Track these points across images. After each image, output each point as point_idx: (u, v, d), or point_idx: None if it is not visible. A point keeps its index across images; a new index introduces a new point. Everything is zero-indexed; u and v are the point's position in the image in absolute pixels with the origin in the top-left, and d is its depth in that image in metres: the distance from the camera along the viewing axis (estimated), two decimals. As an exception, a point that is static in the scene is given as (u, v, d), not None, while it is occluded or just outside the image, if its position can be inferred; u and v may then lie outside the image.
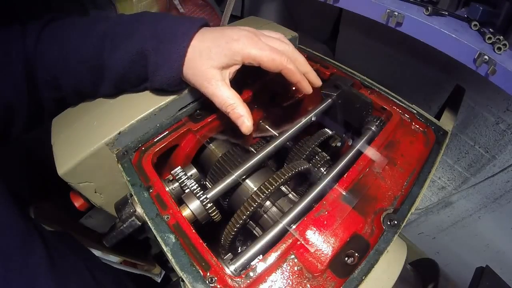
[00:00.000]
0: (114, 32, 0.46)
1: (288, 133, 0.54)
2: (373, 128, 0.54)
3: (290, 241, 0.38)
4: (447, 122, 0.56)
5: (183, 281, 0.36)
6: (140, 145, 0.50)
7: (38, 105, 0.51)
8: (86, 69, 0.47)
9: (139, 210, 0.43)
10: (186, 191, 0.45)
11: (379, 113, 0.58)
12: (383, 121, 0.55)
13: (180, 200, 0.45)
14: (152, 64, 0.46)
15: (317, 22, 1.23)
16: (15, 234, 0.40)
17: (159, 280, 1.61)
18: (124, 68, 0.46)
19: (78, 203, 0.53)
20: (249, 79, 0.61)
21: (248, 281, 0.35)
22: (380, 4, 0.60)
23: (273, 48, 0.46)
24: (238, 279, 0.35)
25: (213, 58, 0.44)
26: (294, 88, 0.66)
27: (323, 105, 0.60)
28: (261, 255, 0.38)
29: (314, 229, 0.39)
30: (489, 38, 0.52)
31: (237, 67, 0.47)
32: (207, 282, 0.35)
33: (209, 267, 0.36)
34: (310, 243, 0.38)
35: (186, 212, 0.42)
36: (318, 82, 0.53)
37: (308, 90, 0.51)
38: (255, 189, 0.44)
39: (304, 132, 0.59)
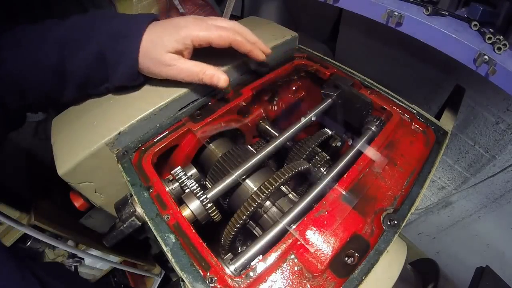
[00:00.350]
0: (71, 38, 0.47)
1: (288, 133, 0.54)
2: (373, 128, 0.54)
3: (290, 241, 0.38)
4: (447, 122, 0.56)
5: (183, 281, 0.36)
6: (140, 145, 0.50)
7: (6, 110, 0.51)
8: (48, 75, 0.47)
9: (139, 210, 0.43)
10: (186, 191, 0.45)
11: (379, 113, 0.58)
12: (383, 121, 0.55)
13: (180, 200, 0.45)
14: (110, 63, 0.48)
15: (317, 22, 1.23)
16: (11, 272, 0.41)
17: (159, 280, 1.61)
18: (85, 71, 0.48)
19: (78, 203, 0.53)
20: (250, 79, 0.61)
21: (248, 281, 0.35)
22: (380, 4, 0.60)
23: (219, 26, 0.50)
24: (238, 279, 0.35)
25: (166, 44, 0.47)
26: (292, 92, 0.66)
27: (323, 105, 0.60)
28: (261, 255, 0.38)
29: (314, 229, 0.39)
30: (489, 38, 0.52)
31: (189, 50, 0.50)
32: (207, 282, 0.35)
33: (209, 267, 0.36)
34: (310, 243, 0.38)
35: (186, 212, 0.42)
36: (267, 49, 0.56)
37: (261, 57, 0.55)
38: (255, 189, 0.44)
39: (304, 132, 0.59)
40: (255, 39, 0.55)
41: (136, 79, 0.51)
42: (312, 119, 0.58)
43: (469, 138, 0.96)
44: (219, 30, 0.49)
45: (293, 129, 0.55)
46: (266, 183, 0.44)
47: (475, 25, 0.55)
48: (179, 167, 0.47)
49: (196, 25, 0.49)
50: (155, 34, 0.48)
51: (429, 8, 0.57)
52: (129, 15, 0.50)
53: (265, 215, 0.49)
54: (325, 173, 0.53)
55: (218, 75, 0.50)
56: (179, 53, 0.49)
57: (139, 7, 1.05)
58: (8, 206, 0.92)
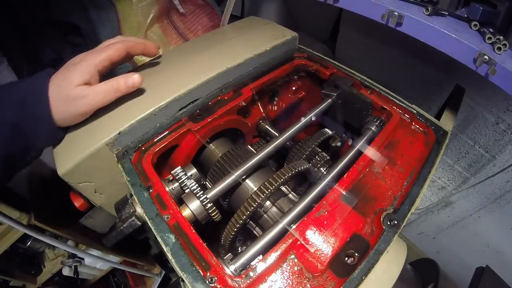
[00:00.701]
0: None
1: (288, 133, 0.54)
2: (373, 128, 0.54)
3: (290, 241, 0.38)
4: (447, 122, 0.56)
5: (183, 281, 0.36)
6: (140, 145, 0.50)
7: None
8: None
9: (139, 210, 0.43)
10: (186, 191, 0.45)
11: (379, 113, 0.58)
12: (383, 121, 0.55)
13: (180, 200, 0.45)
14: (28, 130, 0.46)
15: (317, 22, 1.23)
16: None
17: (159, 280, 1.61)
18: (5, 148, 0.45)
19: (78, 203, 0.53)
20: (250, 79, 0.61)
21: (248, 281, 0.35)
22: (380, 4, 0.60)
23: (108, 44, 0.53)
24: (238, 279, 0.35)
25: (72, 80, 0.47)
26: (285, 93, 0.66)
27: (323, 105, 0.60)
28: (261, 255, 0.38)
29: (314, 229, 0.39)
30: (489, 38, 0.52)
31: (96, 77, 0.50)
32: (207, 282, 0.35)
33: (209, 267, 0.36)
34: (310, 243, 0.38)
35: (186, 212, 0.42)
36: (156, 45, 0.59)
37: (155, 50, 0.59)
38: (255, 189, 0.44)
39: (304, 132, 0.59)
40: (142, 40, 0.58)
41: (58, 135, 0.50)
42: (312, 119, 0.58)
43: (469, 138, 0.96)
44: (112, 45, 0.51)
45: (293, 129, 0.55)
46: (266, 183, 0.44)
47: (475, 25, 0.55)
48: (179, 167, 0.47)
49: (90, 54, 0.51)
50: (59, 79, 0.48)
51: (429, 8, 0.57)
52: (28, 78, 0.49)
53: (265, 215, 0.49)
54: (325, 173, 0.53)
55: (130, 77, 0.51)
56: (87, 83, 0.49)
57: (139, 7, 1.05)
58: (8, 206, 0.92)
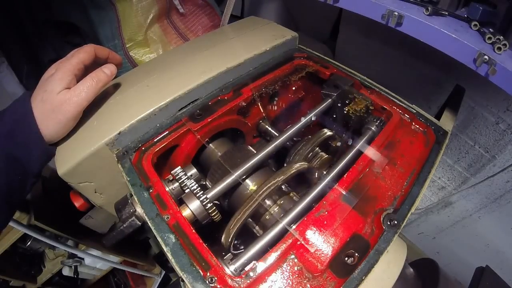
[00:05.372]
0: None
1: (288, 133, 0.54)
2: (373, 128, 0.54)
3: (290, 241, 0.38)
4: (447, 122, 0.56)
5: (183, 281, 0.36)
6: (140, 145, 0.50)
7: None
8: None
9: (139, 210, 0.43)
10: (186, 191, 0.45)
11: (379, 113, 0.58)
12: (383, 121, 0.55)
13: (180, 200, 0.45)
14: (22, 157, 0.46)
15: (317, 22, 1.23)
16: None
17: (159, 280, 1.61)
18: (3, 179, 0.45)
19: (78, 203, 0.53)
20: (250, 79, 0.61)
21: (248, 281, 0.35)
22: (380, 4, 0.60)
23: (78, 50, 0.53)
24: (238, 279, 0.35)
25: (53, 89, 0.47)
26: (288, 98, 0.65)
27: (323, 105, 0.60)
28: (261, 255, 0.38)
29: (314, 229, 0.39)
30: (489, 38, 0.52)
31: (74, 81, 0.50)
32: (207, 282, 0.35)
33: (209, 267, 0.36)
34: (310, 243, 0.38)
35: (186, 212, 0.42)
36: (119, 57, 0.60)
37: (119, 57, 0.59)
38: (255, 189, 0.44)
39: (304, 132, 0.59)
40: (107, 50, 0.58)
41: (50, 154, 0.50)
42: (312, 119, 0.58)
43: (469, 138, 0.96)
44: (81, 49, 0.52)
45: (293, 129, 0.55)
46: (266, 183, 0.44)
47: (475, 25, 0.55)
48: (179, 167, 0.47)
49: (63, 61, 0.51)
50: (40, 94, 0.48)
51: (429, 8, 0.57)
52: (8, 107, 0.49)
53: (265, 215, 0.49)
54: (325, 173, 0.53)
55: (106, 67, 0.52)
56: (67, 88, 0.49)
57: (139, 7, 1.05)
58: (8, 206, 0.92)
